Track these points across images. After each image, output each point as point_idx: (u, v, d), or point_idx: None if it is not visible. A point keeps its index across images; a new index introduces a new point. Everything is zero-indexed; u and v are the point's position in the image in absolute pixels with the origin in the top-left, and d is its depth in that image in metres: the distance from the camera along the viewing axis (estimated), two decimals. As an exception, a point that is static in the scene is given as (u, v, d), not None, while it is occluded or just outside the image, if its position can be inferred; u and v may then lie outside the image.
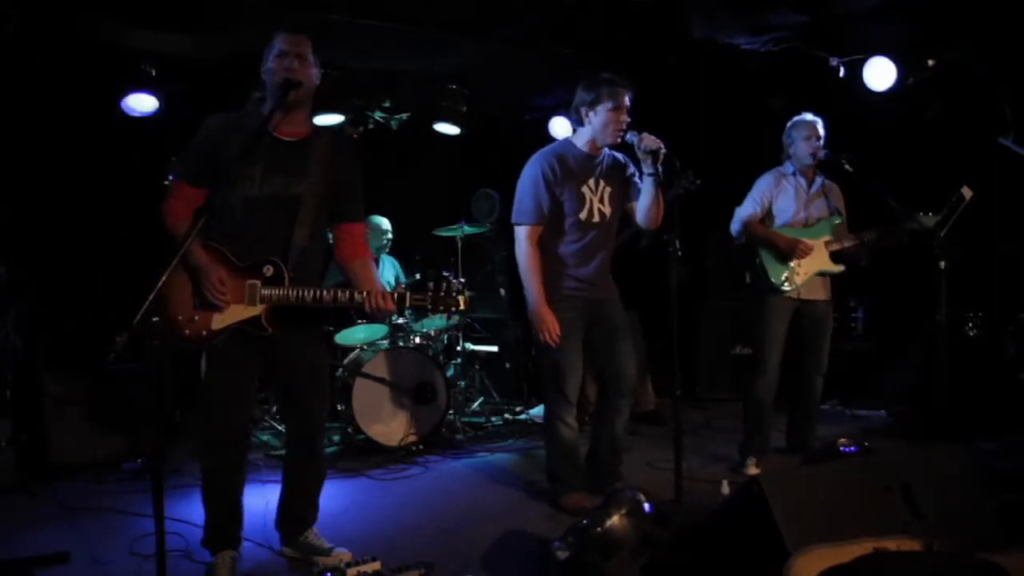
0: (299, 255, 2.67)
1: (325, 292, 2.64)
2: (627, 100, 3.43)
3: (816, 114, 4.10)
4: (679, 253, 3.25)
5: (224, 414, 2.74)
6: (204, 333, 2.61)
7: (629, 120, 3.44)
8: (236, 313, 2.62)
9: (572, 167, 3.51)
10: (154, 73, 5.03)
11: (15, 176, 4.89)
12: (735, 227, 4.14)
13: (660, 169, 3.35)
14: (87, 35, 4.79)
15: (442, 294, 2.61)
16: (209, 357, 2.74)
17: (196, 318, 2.61)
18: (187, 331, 2.61)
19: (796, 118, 4.10)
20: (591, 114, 3.46)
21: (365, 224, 2.99)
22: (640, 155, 3.39)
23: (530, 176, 3.52)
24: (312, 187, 2.66)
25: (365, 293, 2.63)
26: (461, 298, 2.61)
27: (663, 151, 3.30)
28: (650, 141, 3.32)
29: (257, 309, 2.63)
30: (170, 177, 2.63)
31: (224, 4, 4.51)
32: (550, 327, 3.42)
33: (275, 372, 2.84)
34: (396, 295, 2.63)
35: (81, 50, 4.87)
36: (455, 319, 5.26)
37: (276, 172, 2.63)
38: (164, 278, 2.16)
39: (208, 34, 4.85)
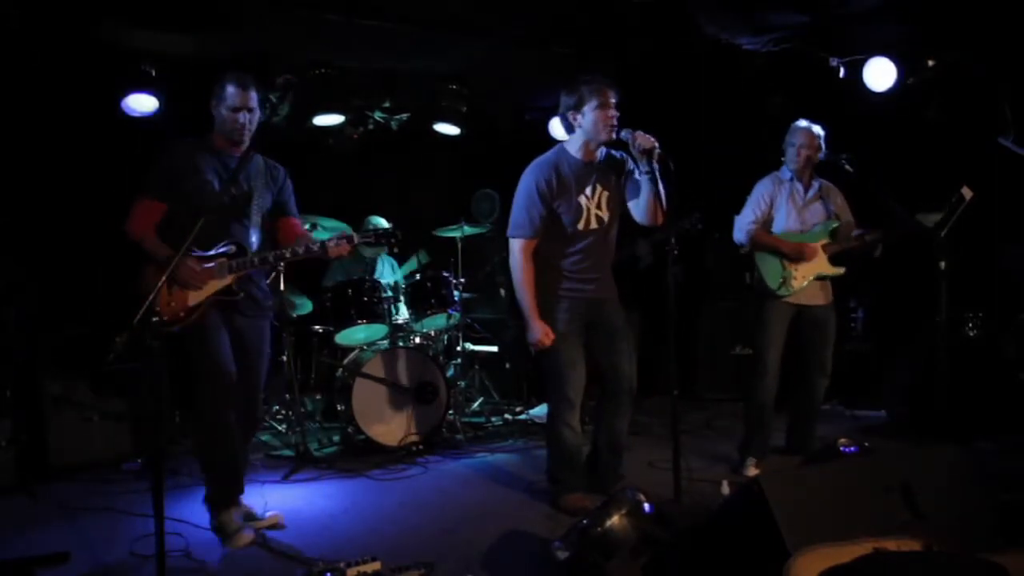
0: (254, 240, 3.24)
1: (284, 250, 3.20)
2: (612, 96, 3.40)
3: (816, 114, 4.10)
4: (675, 252, 3.19)
5: (225, 372, 3.12)
6: (181, 313, 3.08)
7: (618, 114, 3.41)
8: (209, 288, 3.12)
9: (568, 177, 3.48)
10: (154, 73, 5.02)
11: (15, 176, 4.89)
12: (739, 236, 4.12)
13: (657, 167, 3.31)
14: (87, 35, 4.79)
15: (380, 232, 3.39)
16: (199, 333, 3.12)
17: (171, 302, 3.07)
18: (165, 316, 3.04)
19: (794, 124, 4.08)
20: (578, 117, 3.43)
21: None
22: (635, 153, 3.37)
23: (525, 190, 3.51)
24: (257, 188, 3.27)
25: (323, 241, 3.20)
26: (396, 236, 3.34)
27: (657, 150, 3.26)
28: (644, 140, 3.28)
29: (228, 279, 3.15)
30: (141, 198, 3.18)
31: (224, 4, 4.51)
32: (542, 337, 3.46)
33: (239, 347, 3.24)
34: (345, 237, 3.22)
35: (81, 50, 4.86)
36: (455, 319, 5.27)
37: (231, 181, 3.20)
38: (164, 278, 2.20)
39: (208, 34, 4.85)
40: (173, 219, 3.15)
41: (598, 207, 3.52)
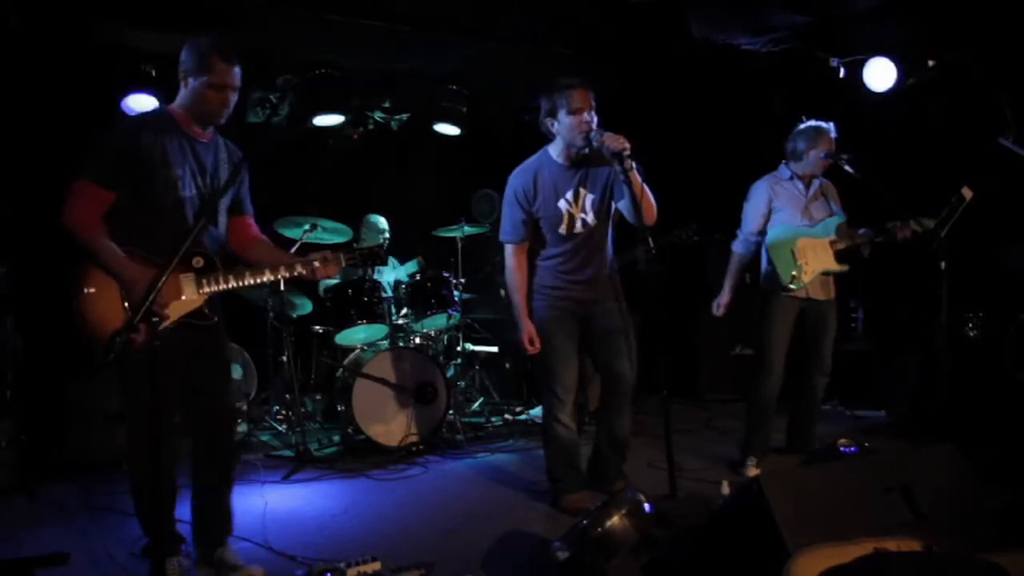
0: (221, 245, 2.81)
1: (264, 269, 2.73)
2: (589, 100, 3.34)
3: (816, 115, 4.09)
4: (653, 251, 3.10)
5: (165, 414, 2.62)
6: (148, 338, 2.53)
7: (592, 119, 3.34)
8: (177, 308, 2.62)
9: (546, 183, 3.48)
10: (154, 73, 5.03)
11: (16, 176, 4.88)
12: (738, 247, 4.21)
13: (632, 167, 3.19)
14: (87, 35, 4.79)
15: (365, 251, 2.92)
16: (146, 364, 2.35)
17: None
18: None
19: (815, 124, 4.03)
20: (555, 123, 3.42)
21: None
22: (607, 156, 3.29)
23: (506, 197, 3.55)
24: (225, 184, 2.77)
25: (315, 261, 2.73)
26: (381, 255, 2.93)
27: (627, 151, 3.15)
28: (613, 141, 3.17)
29: (198, 300, 2.65)
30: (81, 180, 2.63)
31: (224, 4, 4.51)
32: (527, 340, 3.49)
33: (195, 367, 2.76)
34: (331, 259, 2.77)
35: (81, 50, 4.87)
36: (455, 319, 5.27)
37: (199, 173, 2.72)
38: (163, 280, 2.19)
39: (208, 34, 4.85)
40: (122, 214, 2.60)
41: (582, 211, 3.50)
